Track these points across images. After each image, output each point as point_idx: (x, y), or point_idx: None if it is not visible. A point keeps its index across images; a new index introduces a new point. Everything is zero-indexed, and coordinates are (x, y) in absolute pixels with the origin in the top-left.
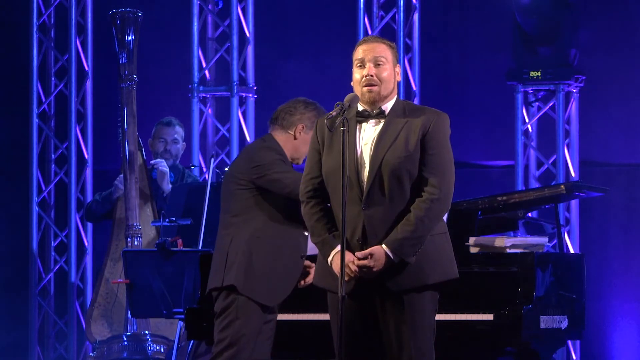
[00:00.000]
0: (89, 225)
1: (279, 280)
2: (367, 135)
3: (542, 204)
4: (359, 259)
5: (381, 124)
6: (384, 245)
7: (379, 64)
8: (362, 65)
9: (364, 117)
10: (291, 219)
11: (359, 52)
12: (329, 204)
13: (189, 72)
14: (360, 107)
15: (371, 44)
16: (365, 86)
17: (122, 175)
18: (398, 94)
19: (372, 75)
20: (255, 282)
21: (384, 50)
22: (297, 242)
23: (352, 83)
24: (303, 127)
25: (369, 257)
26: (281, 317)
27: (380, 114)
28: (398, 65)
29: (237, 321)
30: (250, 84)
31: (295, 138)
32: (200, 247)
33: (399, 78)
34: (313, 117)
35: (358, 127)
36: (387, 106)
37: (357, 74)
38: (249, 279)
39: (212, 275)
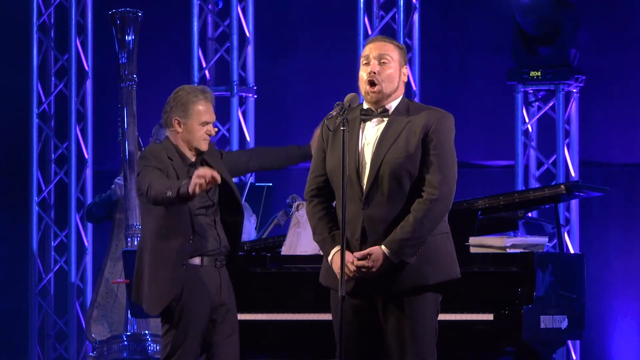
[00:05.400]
0: (89, 225)
1: (158, 289)
2: (370, 134)
3: (542, 204)
4: (357, 259)
5: (384, 123)
6: (382, 246)
7: (383, 62)
8: (368, 63)
9: (367, 115)
10: (171, 228)
11: (366, 50)
12: (333, 203)
13: (189, 72)
14: (365, 105)
15: (378, 42)
16: (368, 85)
17: (121, 176)
18: None
19: (374, 72)
20: (141, 293)
21: (390, 50)
22: (179, 251)
23: (359, 83)
24: (177, 120)
25: (368, 257)
26: (282, 317)
27: (384, 113)
28: (406, 66)
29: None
30: (250, 84)
31: (178, 132)
32: None
33: (405, 79)
34: (181, 105)
35: (361, 125)
36: (391, 105)
37: (362, 72)
38: (137, 287)
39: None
